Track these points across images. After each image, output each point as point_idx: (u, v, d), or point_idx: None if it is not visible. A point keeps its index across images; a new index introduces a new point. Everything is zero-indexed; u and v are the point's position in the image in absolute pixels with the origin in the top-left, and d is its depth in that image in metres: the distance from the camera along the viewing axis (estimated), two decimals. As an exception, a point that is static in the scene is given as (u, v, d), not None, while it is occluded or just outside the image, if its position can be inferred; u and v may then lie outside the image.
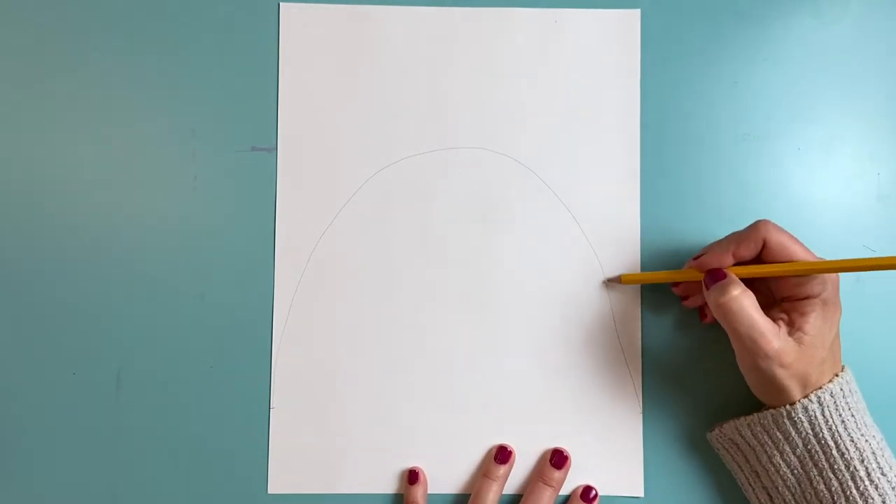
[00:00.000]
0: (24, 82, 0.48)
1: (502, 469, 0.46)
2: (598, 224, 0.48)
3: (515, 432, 0.47)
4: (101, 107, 0.48)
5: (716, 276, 0.41)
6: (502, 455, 0.46)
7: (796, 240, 0.41)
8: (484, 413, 0.47)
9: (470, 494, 0.46)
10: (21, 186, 0.48)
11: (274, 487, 0.47)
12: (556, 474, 0.46)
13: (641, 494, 0.47)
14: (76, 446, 0.47)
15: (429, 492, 0.46)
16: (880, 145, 0.48)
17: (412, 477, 0.46)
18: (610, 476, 0.47)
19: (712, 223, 0.48)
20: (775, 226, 0.41)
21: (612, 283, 0.47)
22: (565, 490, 0.47)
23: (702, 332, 0.47)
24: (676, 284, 0.46)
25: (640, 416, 0.47)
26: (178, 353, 0.47)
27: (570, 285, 0.48)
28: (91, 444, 0.47)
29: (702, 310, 0.47)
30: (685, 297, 0.46)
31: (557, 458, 0.46)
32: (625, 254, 0.48)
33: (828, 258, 0.47)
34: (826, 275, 0.41)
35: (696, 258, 0.44)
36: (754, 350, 0.39)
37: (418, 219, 0.48)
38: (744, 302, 0.40)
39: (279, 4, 0.49)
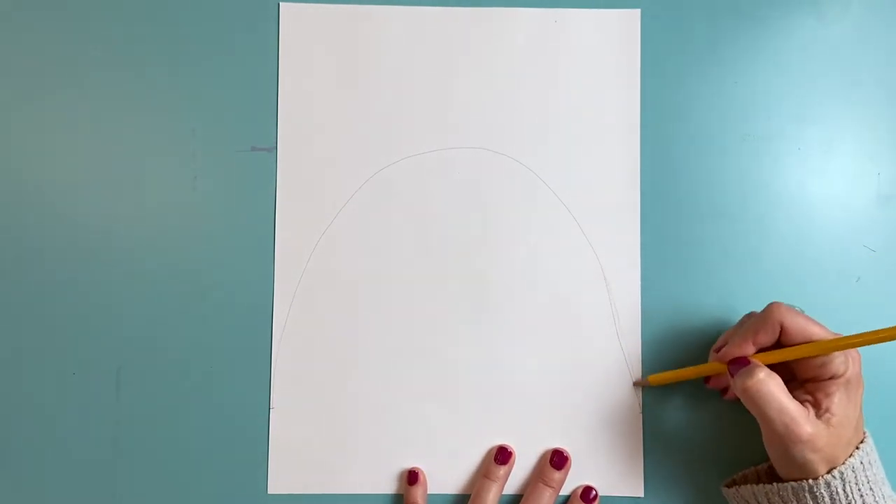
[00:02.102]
0: (25, 82, 0.48)
1: (502, 469, 0.46)
2: (598, 224, 0.48)
3: (515, 432, 0.47)
4: (101, 107, 0.48)
5: (740, 364, 0.41)
6: (502, 455, 0.46)
7: (812, 320, 0.41)
8: (484, 413, 0.47)
9: (470, 494, 0.46)
10: (21, 186, 0.48)
11: (274, 487, 0.47)
12: (557, 475, 0.46)
13: (642, 494, 0.47)
14: (76, 446, 0.47)
15: (429, 492, 0.46)
16: (880, 145, 0.48)
17: (412, 477, 0.46)
18: (610, 476, 0.47)
19: (712, 223, 0.48)
20: (789, 308, 0.41)
21: (639, 384, 0.47)
22: (565, 490, 0.47)
23: (702, 332, 0.47)
24: (707, 379, 0.46)
25: (640, 415, 0.47)
26: (178, 353, 0.47)
27: (570, 285, 0.48)
28: (91, 444, 0.47)
29: (724, 391, 0.47)
30: (707, 380, 0.46)
31: (557, 459, 0.46)
32: (625, 254, 0.48)
33: (828, 259, 0.47)
34: (849, 353, 0.40)
35: (716, 350, 0.44)
36: (786, 435, 0.38)
37: (418, 219, 0.48)
38: (771, 385, 0.39)
39: (279, 4, 0.49)
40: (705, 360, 0.47)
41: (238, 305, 0.47)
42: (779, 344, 0.41)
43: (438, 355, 0.47)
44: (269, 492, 0.47)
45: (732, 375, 0.41)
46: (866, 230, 0.48)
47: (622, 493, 0.47)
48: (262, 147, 0.48)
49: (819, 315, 0.47)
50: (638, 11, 0.48)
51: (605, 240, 0.48)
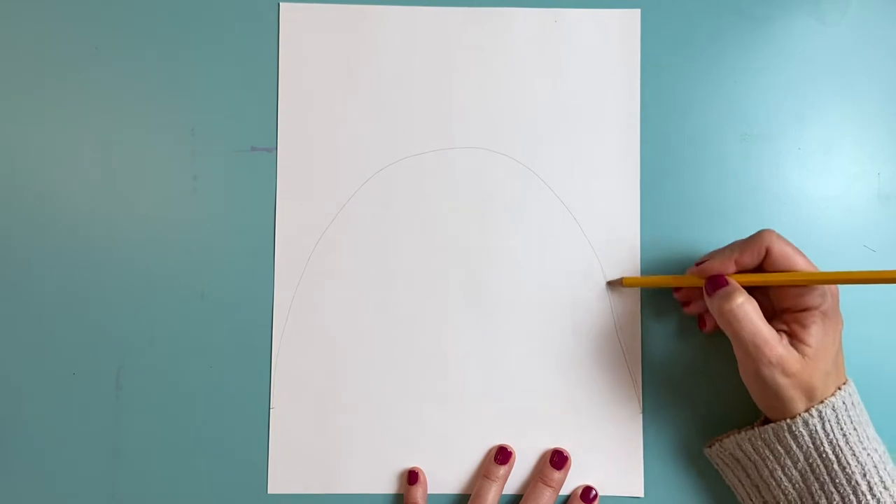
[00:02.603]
0: (25, 82, 0.48)
1: (502, 469, 0.46)
2: (598, 224, 0.48)
3: (515, 432, 0.47)
4: (101, 107, 0.48)
5: (717, 283, 0.41)
6: (502, 455, 0.46)
7: (799, 251, 0.41)
8: (484, 413, 0.47)
9: (470, 494, 0.46)
10: (21, 186, 0.48)
11: (274, 487, 0.47)
12: (556, 475, 0.46)
13: (642, 494, 0.47)
14: (76, 446, 0.47)
15: (429, 492, 0.46)
16: (880, 145, 0.48)
17: (412, 477, 0.46)
18: (610, 476, 0.47)
19: (712, 223, 0.48)
20: (779, 236, 0.41)
21: (614, 285, 0.47)
22: (566, 490, 0.47)
23: (702, 332, 0.47)
24: (678, 289, 0.46)
25: (641, 415, 0.47)
26: (178, 353, 0.47)
27: (571, 284, 0.48)
28: (91, 444, 0.47)
29: (701, 318, 0.46)
30: (686, 303, 0.46)
31: (557, 459, 0.46)
32: (625, 254, 0.48)
33: (828, 259, 0.47)
34: (826, 287, 0.40)
35: (697, 264, 0.43)
36: (757, 357, 0.39)
37: (418, 219, 0.48)
38: (748, 309, 0.39)
39: (279, 4, 0.49)
40: (706, 361, 0.47)
41: (238, 305, 0.47)
42: (761, 269, 0.42)
43: (438, 355, 0.47)
44: (269, 492, 0.47)
45: (709, 293, 0.41)
46: (866, 230, 0.48)
47: (622, 492, 0.47)
48: (261, 147, 0.48)
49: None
50: (638, 11, 0.48)
51: (606, 240, 0.48)
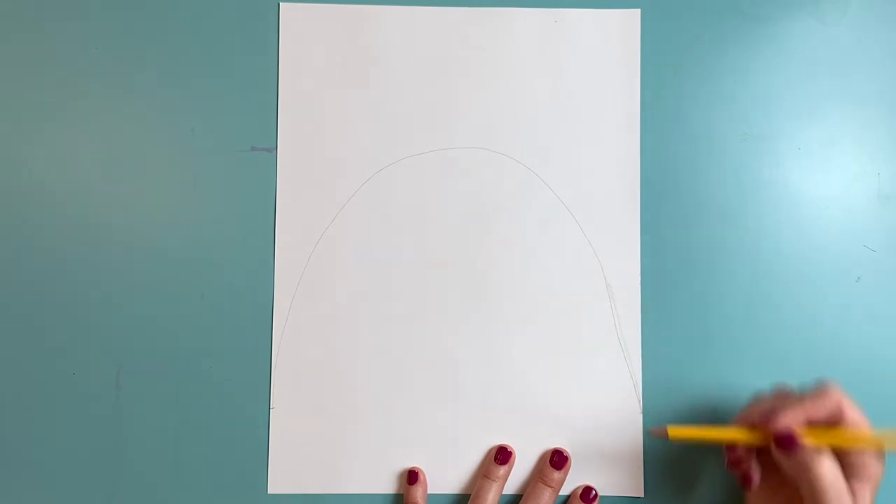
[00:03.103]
0: (24, 82, 0.48)
1: (502, 469, 0.46)
2: (599, 224, 0.48)
3: (515, 433, 0.47)
4: (101, 107, 0.48)
5: (794, 442, 0.39)
6: (502, 455, 0.46)
7: (859, 411, 0.40)
8: (484, 413, 0.47)
9: (470, 495, 0.46)
10: (21, 186, 0.48)
11: (274, 487, 0.47)
12: (556, 475, 0.46)
13: (642, 495, 0.47)
14: (76, 446, 0.47)
15: (429, 492, 0.46)
16: (880, 145, 0.48)
17: (412, 477, 0.46)
18: (610, 476, 0.47)
19: (712, 223, 0.48)
20: (845, 392, 0.40)
21: (656, 433, 0.43)
22: (565, 490, 0.47)
23: (702, 332, 0.47)
24: (730, 449, 0.43)
25: (641, 416, 0.47)
26: (177, 354, 0.47)
27: (571, 285, 0.48)
28: (91, 444, 0.47)
29: (746, 476, 0.43)
30: (732, 462, 0.43)
31: (557, 459, 0.46)
32: (625, 254, 0.48)
33: (828, 259, 0.47)
34: (883, 456, 0.40)
35: (746, 418, 0.41)
36: None
37: (418, 219, 0.48)
38: (836, 473, 0.38)
39: (279, 4, 0.49)
40: (706, 360, 0.47)
41: (238, 305, 0.47)
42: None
43: (438, 355, 0.47)
44: (269, 492, 0.47)
45: (786, 451, 0.39)
46: (866, 230, 0.48)
47: (622, 493, 0.47)
48: (261, 147, 0.48)
49: (819, 315, 0.47)
50: (638, 11, 0.48)
51: (605, 240, 0.48)
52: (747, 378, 0.47)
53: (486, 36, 0.49)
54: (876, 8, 0.48)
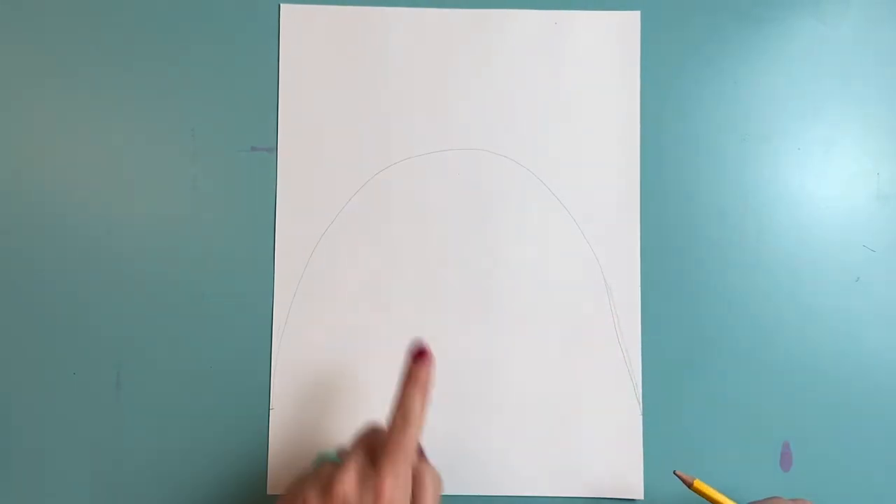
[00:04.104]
0: (24, 83, 0.48)
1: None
2: (598, 224, 0.48)
3: (515, 433, 0.47)
4: (101, 107, 0.48)
5: None
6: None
7: None
8: (483, 414, 0.47)
9: (471, 495, 0.46)
10: (21, 186, 0.48)
11: (273, 488, 0.47)
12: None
13: (641, 496, 0.47)
14: (76, 446, 0.47)
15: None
16: (880, 145, 0.48)
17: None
18: (610, 478, 0.47)
19: (712, 223, 0.48)
20: None
21: (683, 480, 0.44)
22: (566, 490, 0.46)
23: (702, 332, 0.47)
24: None
25: (640, 417, 0.47)
26: (177, 354, 0.47)
27: (571, 286, 0.48)
28: (91, 444, 0.47)
29: None
30: None
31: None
32: (625, 254, 0.48)
33: (828, 259, 0.47)
34: None
35: None
36: None
37: (418, 220, 0.48)
38: None
39: (279, 5, 0.49)
40: (705, 360, 0.47)
41: (238, 306, 0.47)
42: None
43: (438, 355, 0.47)
44: (269, 492, 0.47)
45: None
46: (866, 230, 0.48)
47: (622, 495, 0.47)
48: (262, 147, 0.48)
49: (819, 315, 0.47)
50: (638, 13, 0.48)
51: (605, 240, 0.48)
52: (748, 378, 0.47)
53: (487, 38, 0.49)
54: (876, 8, 0.49)
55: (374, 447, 0.38)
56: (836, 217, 0.48)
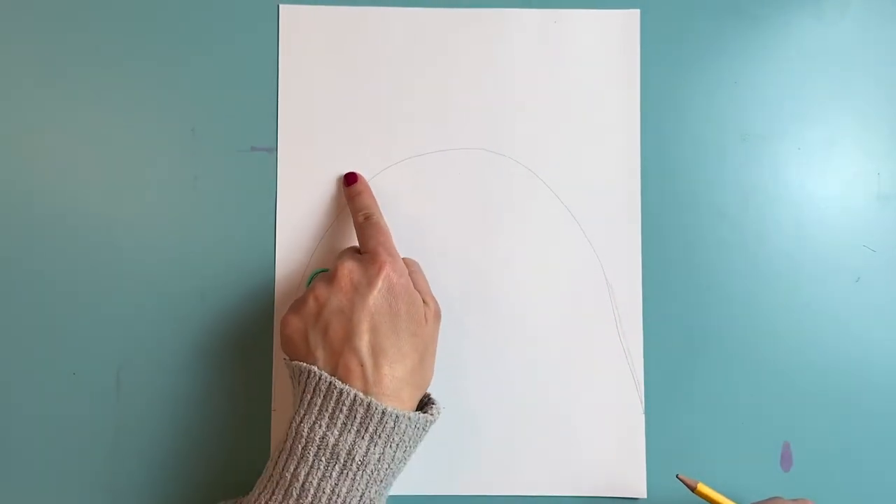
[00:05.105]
0: (24, 82, 0.48)
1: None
2: (599, 224, 0.48)
3: (517, 432, 0.47)
4: (101, 107, 0.48)
5: None
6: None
7: None
8: (484, 413, 0.47)
9: (470, 496, 0.46)
10: (21, 186, 0.48)
11: (274, 488, 0.47)
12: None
13: (644, 495, 0.47)
14: (76, 446, 0.47)
15: (428, 493, 0.46)
16: (880, 145, 0.48)
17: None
18: (612, 477, 0.47)
19: (713, 223, 0.48)
20: None
21: (687, 483, 0.44)
22: (568, 490, 0.46)
23: (703, 332, 0.47)
24: None
25: (643, 416, 0.47)
26: (178, 354, 0.47)
27: (572, 285, 0.48)
28: (91, 444, 0.47)
29: None
30: None
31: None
32: (625, 254, 0.48)
33: (828, 259, 0.47)
34: None
35: None
36: None
37: (419, 220, 0.48)
38: None
39: (279, 6, 0.49)
40: (706, 360, 0.47)
41: (239, 306, 0.47)
42: None
43: (438, 355, 0.47)
44: (270, 492, 0.47)
45: None
46: (866, 230, 0.48)
47: (624, 494, 0.47)
48: (262, 147, 0.48)
49: (819, 315, 0.47)
50: (637, 12, 0.48)
51: (606, 240, 0.48)
52: (748, 378, 0.47)
53: (486, 37, 0.49)
54: (876, 7, 0.49)
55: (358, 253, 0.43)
56: (836, 217, 0.48)
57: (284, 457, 0.38)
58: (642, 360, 0.47)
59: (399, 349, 0.40)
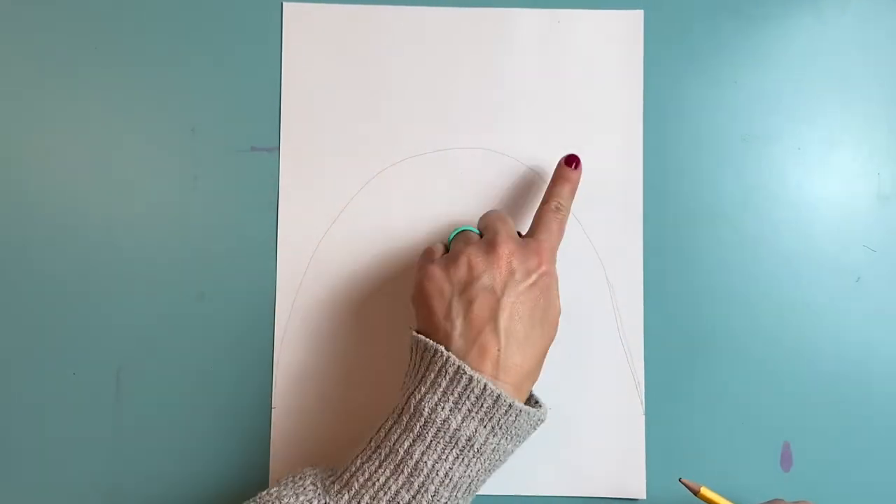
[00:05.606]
0: (24, 82, 0.48)
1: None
2: (601, 224, 0.48)
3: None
4: (101, 106, 0.48)
5: None
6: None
7: None
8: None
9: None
10: (21, 186, 0.48)
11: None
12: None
13: (644, 496, 0.47)
14: (76, 446, 0.47)
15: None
16: (880, 145, 0.48)
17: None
18: (612, 478, 0.47)
19: (713, 223, 0.48)
20: None
21: (689, 487, 0.44)
22: (568, 490, 0.46)
23: (704, 332, 0.47)
24: None
25: (643, 417, 0.47)
26: (178, 353, 0.47)
27: (572, 285, 0.47)
28: (91, 444, 0.47)
29: None
30: None
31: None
32: (626, 254, 0.48)
33: (828, 259, 0.48)
34: None
35: None
36: None
37: (420, 219, 0.48)
38: None
39: (282, 4, 0.49)
40: (707, 360, 0.47)
41: (239, 305, 0.47)
42: None
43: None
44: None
45: None
46: (866, 230, 0.48)
47: (624, 495, 0.47)
48: (263, 147, 0.48)
49: (819, 315, 0.47)
50: (640, 12, 0.49)
51: (608, 240, 0.48)
52: (748, 378, 0.47)
53: (488, 36, 0.49)
54: (875, 7, 0.49)
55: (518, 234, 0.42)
56: (836, 217, 0.48)
57: (398, 431, 0.38)
58: (643, 360, 0.47)
59: (533, 343, 0.40)
